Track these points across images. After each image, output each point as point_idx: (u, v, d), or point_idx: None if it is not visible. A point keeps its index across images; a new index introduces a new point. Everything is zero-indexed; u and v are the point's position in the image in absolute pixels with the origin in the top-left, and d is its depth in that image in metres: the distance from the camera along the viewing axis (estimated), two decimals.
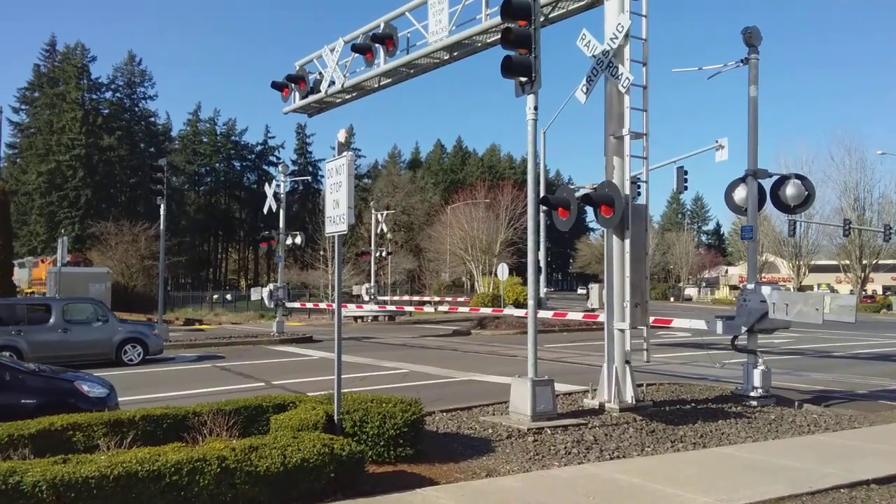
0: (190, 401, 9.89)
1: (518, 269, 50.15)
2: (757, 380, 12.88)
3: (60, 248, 29.97)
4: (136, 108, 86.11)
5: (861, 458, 8.90)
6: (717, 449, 9.55)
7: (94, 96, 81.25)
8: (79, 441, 7.52)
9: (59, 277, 31.44)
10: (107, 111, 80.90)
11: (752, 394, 12.84)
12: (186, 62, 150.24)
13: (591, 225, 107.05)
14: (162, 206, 26.70)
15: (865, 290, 75.56)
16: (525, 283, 11.52)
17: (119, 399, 10.29)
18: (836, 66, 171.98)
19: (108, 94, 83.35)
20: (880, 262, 74.08)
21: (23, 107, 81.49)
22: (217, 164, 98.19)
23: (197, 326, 38.07)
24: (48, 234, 67.62)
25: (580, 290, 75.45)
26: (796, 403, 12.82)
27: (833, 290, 70.74)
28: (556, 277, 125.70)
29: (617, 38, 11.31)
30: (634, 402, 11.48)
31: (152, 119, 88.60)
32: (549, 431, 9.96)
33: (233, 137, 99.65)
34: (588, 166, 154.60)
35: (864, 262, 72.79)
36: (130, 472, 6.03)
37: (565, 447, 9.21)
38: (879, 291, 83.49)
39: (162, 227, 27.56)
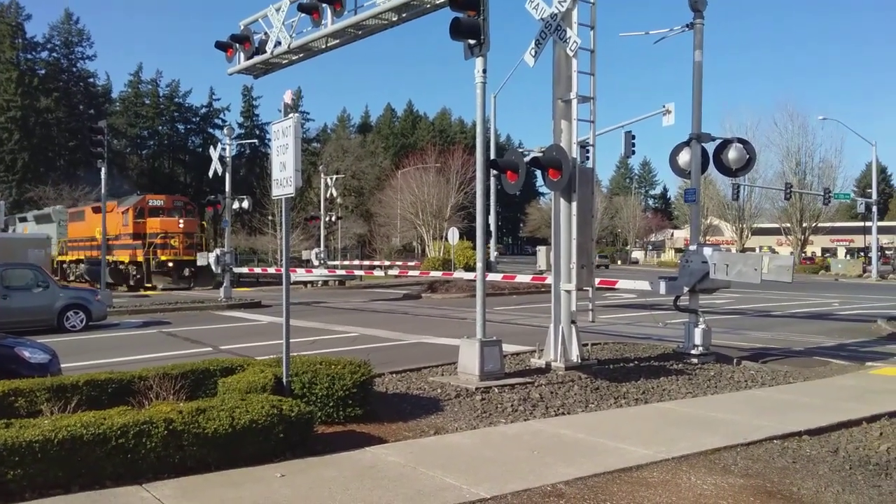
0: (136, 366, 9.76)
1: (469, 234, 50.22)
2: (698, 338, 13.26)
3: None
4: (74, 69, 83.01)
5: (794, 412, 9.28)
6: (658, 404, 9.86)
7: (30, 56, 78.18)
8: (21, 406, 7.42)
9: None
10: (43, 72, 77.94)
11: (692, 352, 13.24)
12: (127, 21, 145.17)
13: (541, 189, 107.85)
14: (103, 169, 26.01)
15: (805, 252, 77.84)
16: (475, 247, 11.61)
17: (63, 365, 10.13)
18: (783, 39, 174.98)
19: (45, 54, 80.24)
20: (820, 224, 76.09)
21: None
22: (160, 127, 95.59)
23: (142, 292, 37.41)
24: None
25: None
26: (735, 360, 13.25)
27: (774, 252, 72.65)
28: (506, 241, 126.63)
29: (565, 0, 11.34)
30: (580, 361, 11.76)
31: (91, 80, 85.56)
32: (496, 390, 10.16)
33: (176, 99, 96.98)
34: (540, 130, 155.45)
35: (805, 224, 74.80)
36: (75, 436, 5.99)
37: (512, 405, 9.41)
38: (819, 253, 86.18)
39: (103, 191, 26.85)
